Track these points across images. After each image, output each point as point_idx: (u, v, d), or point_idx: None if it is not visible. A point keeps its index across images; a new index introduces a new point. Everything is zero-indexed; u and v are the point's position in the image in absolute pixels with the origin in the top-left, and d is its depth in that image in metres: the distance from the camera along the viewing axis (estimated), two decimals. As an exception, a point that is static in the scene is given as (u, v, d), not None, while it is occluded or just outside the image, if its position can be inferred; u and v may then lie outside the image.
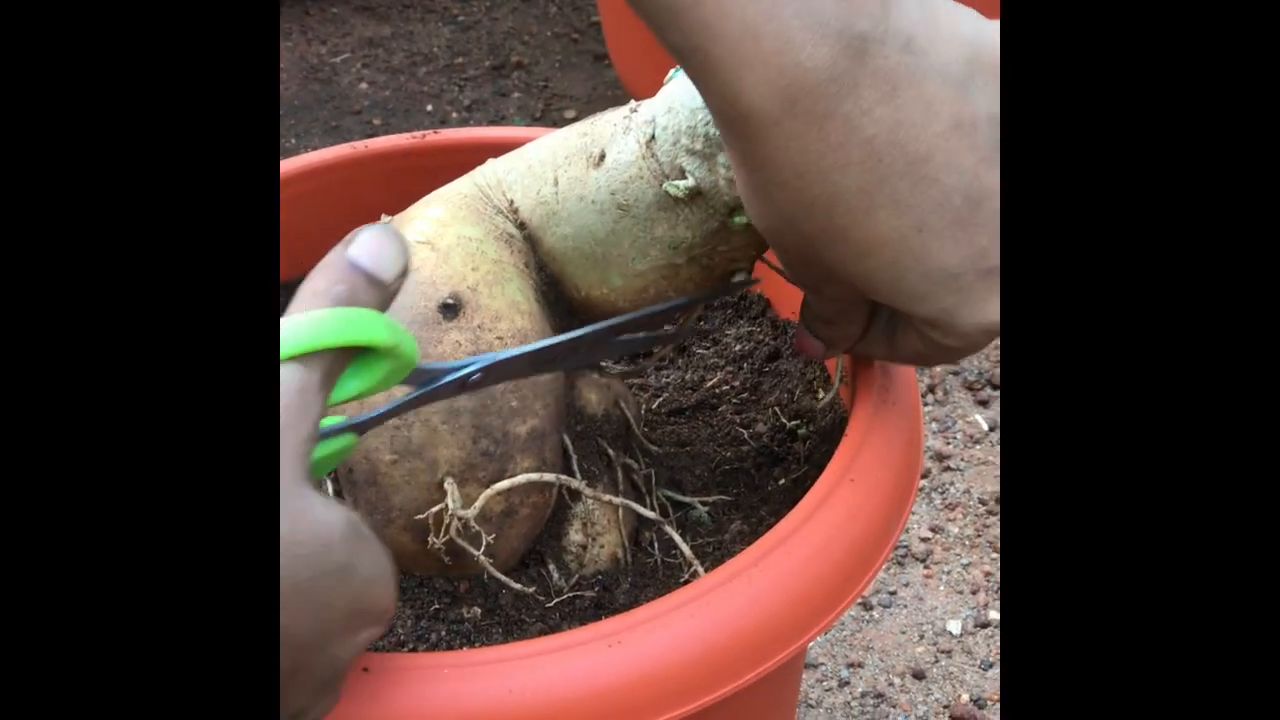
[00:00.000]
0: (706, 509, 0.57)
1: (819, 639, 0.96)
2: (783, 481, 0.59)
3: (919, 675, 0.94)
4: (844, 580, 0.48)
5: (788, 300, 0.67)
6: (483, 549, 0.49)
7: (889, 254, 0.42)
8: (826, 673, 0.94)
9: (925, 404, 1.16)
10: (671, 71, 0.51)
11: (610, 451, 0.56)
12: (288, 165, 0.68)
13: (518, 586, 0.52)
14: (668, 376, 0.67)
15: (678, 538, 0.54)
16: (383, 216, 0.56)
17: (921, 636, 0.96)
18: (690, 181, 0.49)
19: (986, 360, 1.19)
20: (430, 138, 0.71)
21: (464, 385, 0.45)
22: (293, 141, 1.56)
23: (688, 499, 0.58)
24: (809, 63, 0.39)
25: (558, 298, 0.54)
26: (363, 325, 0.36)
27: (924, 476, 1.10)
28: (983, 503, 1.07)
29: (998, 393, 1.17)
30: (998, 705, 0.92)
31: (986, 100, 0.41)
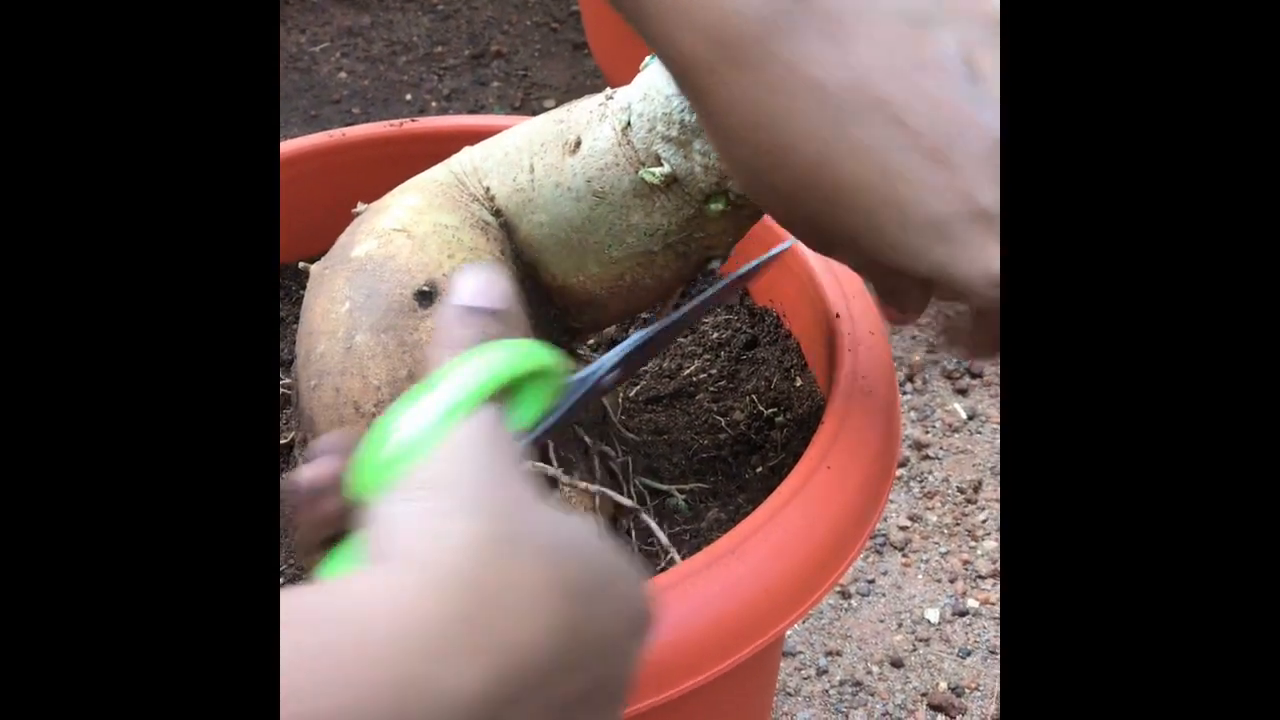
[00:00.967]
0: (684, 497, 0.57)
1: (797, 627, 0.96)
2: (760, 469, 0.59)
3: (897, 663, 0.94)
4: (821, 567, 0.48)
5: (765, 289, 0.67)
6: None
7: (863, 204, 0.40)
8: (805, 661, 0.94)
9: (904, 393, 1.16)
10: (647, 59, 0.51)
11: (587, 439, 0.56)
12: (265, 153, 0.68)
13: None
14: (645, 365, 0.67)
15: (655, 525, 0.54)
16: (359, 204, 0.56)
17: (900, 625, 0.97)
18: (666, 168, 0.49)
19: (965, 349, 1.20)
20: (408, 126, 0.71)
21: (598, 388, 0.42)
22: (271, 131, 1.55)
23: (665, 487, 0.58)
24: (739, 6, 0.38)
25: (535, 285, 0.54)
26: (529, 354, 0.35)
27: (902, 465, 1.10)
28: (961, 491, 1.07)
29: (976, 381, 1.17)
30: (976, 693, 0.92)
31: (956, 39, 0.40)
